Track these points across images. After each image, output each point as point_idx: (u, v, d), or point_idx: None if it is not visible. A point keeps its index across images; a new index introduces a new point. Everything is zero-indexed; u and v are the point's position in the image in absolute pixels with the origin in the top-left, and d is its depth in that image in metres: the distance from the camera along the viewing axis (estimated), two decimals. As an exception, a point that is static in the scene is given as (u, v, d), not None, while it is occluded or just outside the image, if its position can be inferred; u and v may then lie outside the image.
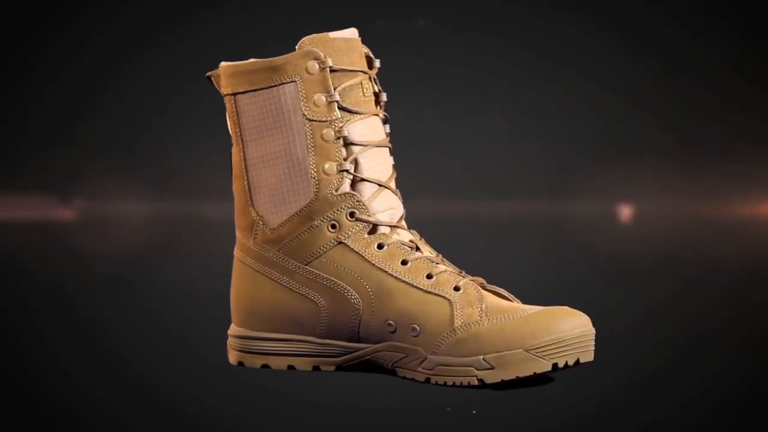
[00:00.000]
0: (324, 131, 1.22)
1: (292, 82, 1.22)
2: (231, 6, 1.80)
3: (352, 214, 1.22)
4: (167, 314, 1.54)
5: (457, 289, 1.19)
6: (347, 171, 1.22)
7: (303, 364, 1.24)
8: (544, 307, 1.17)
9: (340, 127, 1.22)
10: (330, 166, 1.22)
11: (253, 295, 1.26)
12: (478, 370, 1.15)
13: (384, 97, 1.25)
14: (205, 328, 1.42)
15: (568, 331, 1.14)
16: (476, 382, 1.15)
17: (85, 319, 1.54)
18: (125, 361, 1.32)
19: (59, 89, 1.86)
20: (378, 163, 1.24)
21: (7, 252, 1.88)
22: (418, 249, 1.22)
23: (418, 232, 1.26)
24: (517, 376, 1.14)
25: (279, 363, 1.25)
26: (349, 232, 1.22)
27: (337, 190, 1.22)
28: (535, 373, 1.14)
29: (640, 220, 1.82)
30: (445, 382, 1.17)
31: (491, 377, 1.15)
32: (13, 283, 1.73)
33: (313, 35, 1.22)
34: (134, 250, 1.87)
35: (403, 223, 1.25)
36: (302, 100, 1.22)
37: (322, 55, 1.21)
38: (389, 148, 1.26)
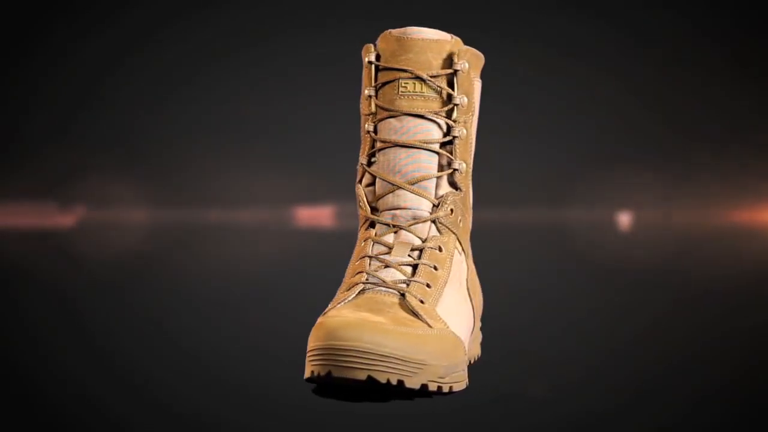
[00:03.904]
0: (365, 124, 1.27)
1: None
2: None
3: (360, 207, 1.26)
4: (168, 321, 1.54)
5: (348, 290, 1.19)
6: (362, 165, 1.26)
7: None
8: (343, 317, 1.13)
9: (370, 122, 1.25)
10: (361, 158, 1.27)
11: None
12: None
13: (456, 100, 1.25)
14: (206, 335, 1.42)
15: (319, 342, 1.11)
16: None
17: (85, 325, 1.53)
18: (126, 368, 1.32)
19: (56, 93, 1.86)
20: (398, 163, 1.24)
21: (6, 259, 1.87)
22: (389, 251, 1.22)
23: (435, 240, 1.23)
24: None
25: None
26: (360, 224, 1.26)
27: (359, 182, 1.27)
28: (311, 376, 1.12)
29: (640, 228, 1.82)
30: None
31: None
32: (13, 291, 1.72)
33: (387, 30, 1.25)
34: (135, 256, 1.87)
35: (419, 226, 1.24)
36: (362, 92, 1.27)
37: (373, 48, 1.25)
38: (432, 150, 1.25)
